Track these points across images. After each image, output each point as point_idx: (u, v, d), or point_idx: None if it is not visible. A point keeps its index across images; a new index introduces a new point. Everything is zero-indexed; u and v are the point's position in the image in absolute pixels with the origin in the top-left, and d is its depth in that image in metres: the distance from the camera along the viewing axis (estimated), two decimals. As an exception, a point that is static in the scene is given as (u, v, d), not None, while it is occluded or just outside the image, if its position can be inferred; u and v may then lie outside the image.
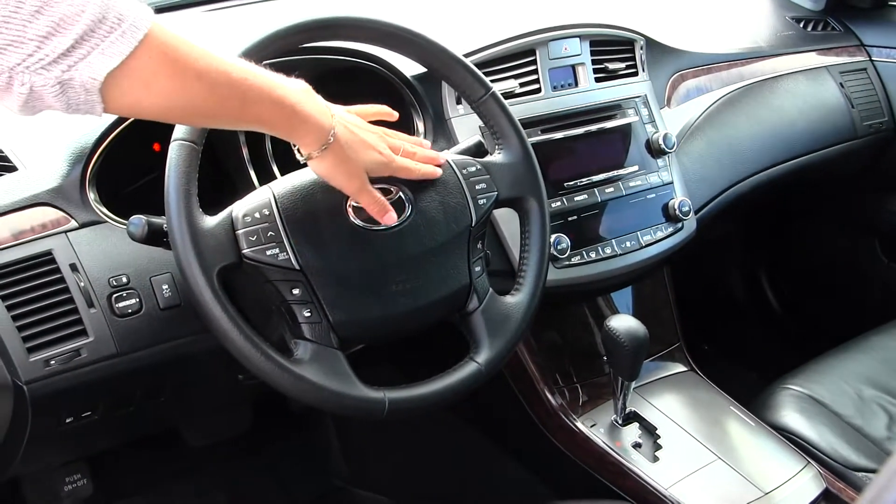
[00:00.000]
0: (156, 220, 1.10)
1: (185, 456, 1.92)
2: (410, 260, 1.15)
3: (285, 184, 1.13)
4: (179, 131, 1.07)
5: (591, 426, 1.56)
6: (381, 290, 1.13)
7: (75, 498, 1.69)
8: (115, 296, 1.18)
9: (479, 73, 1.26)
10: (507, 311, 1.21)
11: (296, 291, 1.09)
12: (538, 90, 1.54)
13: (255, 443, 2.00)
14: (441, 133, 1.46)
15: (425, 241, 1.16)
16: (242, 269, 1.08)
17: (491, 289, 1.21)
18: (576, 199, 1.52)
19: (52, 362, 1.13)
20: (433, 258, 1.16)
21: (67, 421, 1.24)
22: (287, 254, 1.08)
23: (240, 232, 1.08)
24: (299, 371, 1.06)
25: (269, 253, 1.08)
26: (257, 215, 1.09)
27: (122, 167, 1.30)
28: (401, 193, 1.16)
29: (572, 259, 1.48)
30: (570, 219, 1.50)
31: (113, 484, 1.78)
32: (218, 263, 1.05)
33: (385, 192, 1.15)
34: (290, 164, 1.27)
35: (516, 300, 1.22)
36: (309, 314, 1.09)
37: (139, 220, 1.10)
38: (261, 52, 1.13)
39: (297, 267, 1.09)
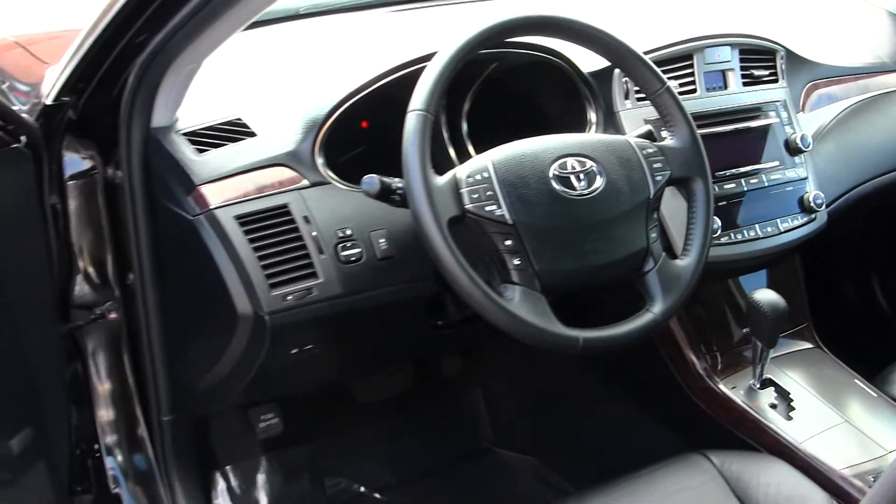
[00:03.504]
0: (386, 179, 1.31)
1: (349, 410, 2.13)
2: (600, 223, 1.34)
3: (501, 152, 1.33)
4: (416, 102, 1.27)
5: (732, 388, 1.74)
6: (577, 246, 1.32)
7: (269, 435, 1.91)
8: (339, 245, 1.38)
9: (657, 69, 1.46)
10: (677, 271, 1.40)
11: (508, 242, 1.28)
12: (694, 90, 1.75)
13: (411, 403, 2.20)
14: (610, 124, 1.67)
15: (612, 209, 1.35)
16: (464, 222, 1.28)
17: (664, 252, 1.40)
18: (725, 187, 1.71)
19: (289, 298, 1.34)
20: (618, 223, 1.36)
21: (293, 352, 1.45)
22: (502, 210, 1.28)
23: (463, 190, 1.28)
24: (511, 308, 1.26)
25: (487, 209, 1.28)
26: (478, 177, 1.29)
27: (339, 139, 1.51)
28: (594, 166, 1.36)
29: (721, 239, 1.68)
30: (720, 204, 1.69)
31: (295, 428, 2.00)
32: (447, 214, 1.25)
33: (581, 164, 1.35)
34: (481, 143, 1.48)
35: (685, 263, 1.41)
36: (518, 262, 1.28)
37: (373, 179, 1.31)
38: (482, 43, 1.34)
39: (511, 222, 1.28)
